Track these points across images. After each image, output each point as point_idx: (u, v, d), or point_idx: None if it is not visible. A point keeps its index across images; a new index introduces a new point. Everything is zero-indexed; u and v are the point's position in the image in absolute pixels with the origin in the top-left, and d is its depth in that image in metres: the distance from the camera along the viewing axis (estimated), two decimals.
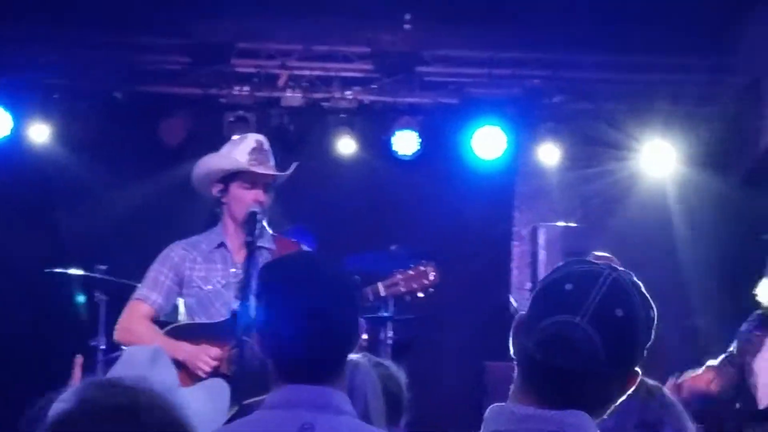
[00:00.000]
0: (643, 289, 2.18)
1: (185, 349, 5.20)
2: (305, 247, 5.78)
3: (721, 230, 9.52)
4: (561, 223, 9.43)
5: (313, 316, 2.63)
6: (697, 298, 9.79)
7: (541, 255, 9.38)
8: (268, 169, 5.41)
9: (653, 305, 2.19)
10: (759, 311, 6.48)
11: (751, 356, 6.29)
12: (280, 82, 9.85)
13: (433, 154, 9.90)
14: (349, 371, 3.28)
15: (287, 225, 8.75)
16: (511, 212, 10.27)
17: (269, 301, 2.72)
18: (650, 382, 2.74)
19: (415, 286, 5.57)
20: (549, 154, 9.85)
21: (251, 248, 5.24)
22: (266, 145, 5.52)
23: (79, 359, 7.00)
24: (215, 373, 5.15)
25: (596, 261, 2.27)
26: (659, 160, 9.65)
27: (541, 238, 9.42)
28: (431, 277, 5.55)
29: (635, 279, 2.19)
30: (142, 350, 2.87)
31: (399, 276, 5.53)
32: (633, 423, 2.64)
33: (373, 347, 8.38)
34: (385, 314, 8.19)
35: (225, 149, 5.59)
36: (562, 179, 10.01)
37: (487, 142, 9.79)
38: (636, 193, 9.83)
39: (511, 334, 2.20)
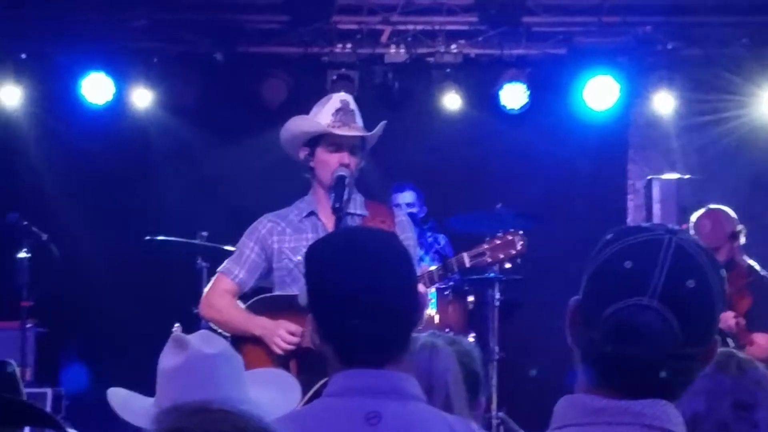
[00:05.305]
0: (705, 248, 1.90)
1: (262, 325, 5.06)
2: (399, 212, 5.54)
3: None
4: (676, 175, 9.05)
5: (363, 296, 2.42)
6: None
7: (656, 209, 9.04)
8: (352, 130, 5.16)
9: (720, 263, 1.91)
10: None
11: None
12: (383, 38, 9.64)
13: (541, 107, 9.59)
14: (426, 355, 3.05)
15: (392, 183, 8.60)
16: (625, 165, 9.92)
17: (316, 284, 2.52)
18: (740, 354, 2.45)
19: (501, 255, 5.26)
20: (663, 102, 9.48)
21: (339, 214, 5.04)
22: (352, 105, 5.28)
23: (177, 328, 6.94)
24: (296, 349, 4.98)
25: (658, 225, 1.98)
26: None
27: (656, 192, 9.08)
28: (519, 247, 5.23)
29: (696, 238, 1.92)
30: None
31: (485, 246, 5.24)
32: (728, 404, 2.35)
33: (480, 309, 8.18)
34: (492, 275, 7.98)
35: (313, 111, 5.37)
36: (678, 129, 9.61)
37: (599, 93, 9.47)
38: (755, 142, 9.36)
39: (567, 323, 1.94)
